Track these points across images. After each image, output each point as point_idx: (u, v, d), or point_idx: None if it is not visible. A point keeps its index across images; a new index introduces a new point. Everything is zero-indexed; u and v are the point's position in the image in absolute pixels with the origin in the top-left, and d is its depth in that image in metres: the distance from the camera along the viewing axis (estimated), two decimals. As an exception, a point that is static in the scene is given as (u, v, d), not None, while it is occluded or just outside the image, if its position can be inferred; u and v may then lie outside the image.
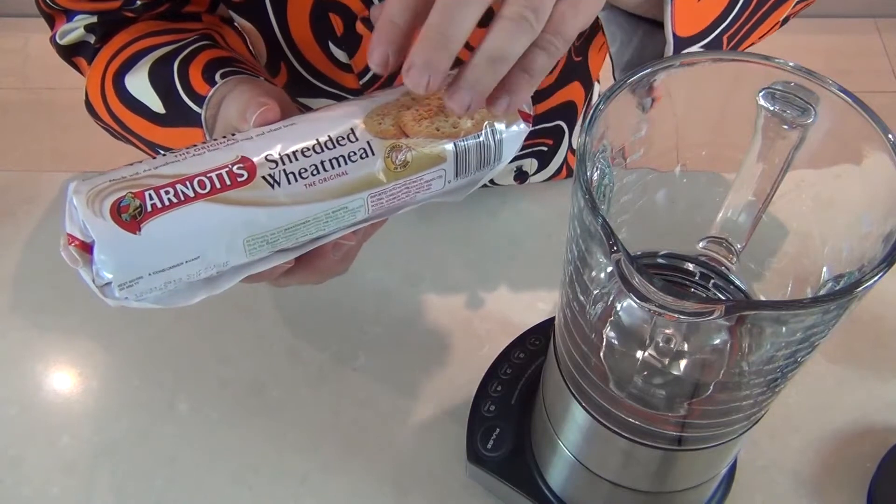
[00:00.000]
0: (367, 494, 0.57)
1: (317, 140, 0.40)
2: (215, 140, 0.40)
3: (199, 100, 0.54)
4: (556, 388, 0.45)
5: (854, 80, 1.88)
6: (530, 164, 0.76)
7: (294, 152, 0.40)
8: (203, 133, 0.54)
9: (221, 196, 0.38)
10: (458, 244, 0.69)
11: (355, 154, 0.40)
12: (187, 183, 0.38)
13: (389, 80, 0.65)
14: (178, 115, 0.55)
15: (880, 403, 0.60)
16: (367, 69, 0.63)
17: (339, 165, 0.40)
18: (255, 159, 0.39)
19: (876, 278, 0.30)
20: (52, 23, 0.63)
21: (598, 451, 0.46)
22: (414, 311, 0.66)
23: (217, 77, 0.54)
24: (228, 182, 0.38)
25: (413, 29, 0.39)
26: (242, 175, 0.38)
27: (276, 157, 0.39)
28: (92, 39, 0.62)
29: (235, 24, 0.66)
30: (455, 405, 0.60)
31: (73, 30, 0.62)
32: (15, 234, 0.72)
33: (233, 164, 0.39)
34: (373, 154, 0.41)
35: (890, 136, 0.33)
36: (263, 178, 0.39)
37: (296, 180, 0.39)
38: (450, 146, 0.42)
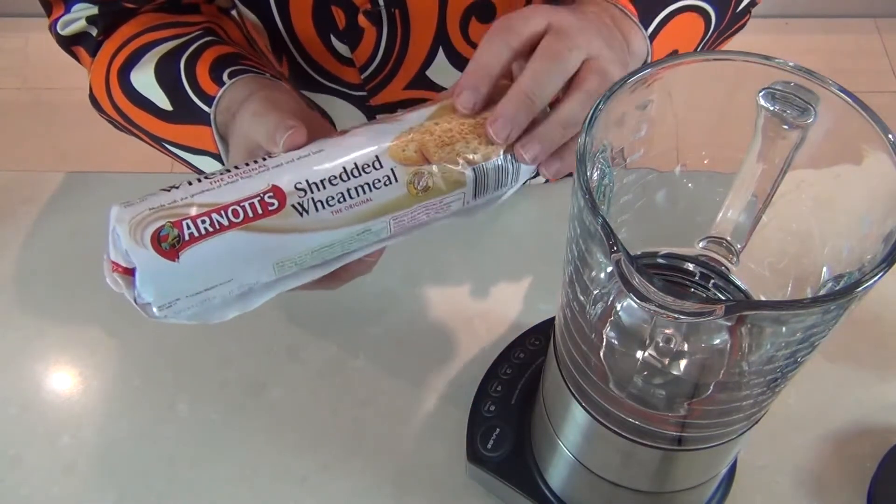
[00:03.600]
0: (367, 494, 0.57)
1: (343, 168, 0.42)
2: (247, 166, 0.43)
3: (207, 99, 0.54)
4: (556, 388, 0.45)
5: (854, 80, 1.88)
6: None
7: (322, 181, 0.42)
8: (211, 132, 0.54)
9: (254, 224, 0.41)
10: (458, 244, 0.69)
11: (380, 181, 0.43)
12: (222, 212, 0.40)
13: (391, 75, 0.65)
14: (186, 112, 0.56)
15: (880, 403, 0.60)
16: (368, 63, 0.63)
17: (365, 193, 0.43)
18: (285, 189, 0.41)
19: (876, 278, 0.30)
20: (49, 10, 0.63)
21: (598, 452, 0.46)
22: (414, 311, 0.66)
23: (225, 77, 0.55)
24: (260, 211, 0.41)
25: (500, 77, 0.45)
26: (273, 204, 0.41)
27: (305, 185, 0.42)
28: (94, 32, 0.62)
29: (233, 13, 0.67)
30: (455, 406, 0.60)
31: (75, 21, 0.62)
32: (15, 234, 0.72)
33: (264, 194, 0.41)
34: (396, 181, 0.43)
35: (890, 136, 0.33)
36: (293, 206, 0.41)
37: (323, 208, 0.42)
38: (469, 172, 0.45)
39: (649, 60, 0.52)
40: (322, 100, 0.70)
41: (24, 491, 0.58)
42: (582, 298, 0.38)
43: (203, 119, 0.55)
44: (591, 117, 0.34)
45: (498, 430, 0.54)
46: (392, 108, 0.68)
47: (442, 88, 0.66)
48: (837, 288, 0.33)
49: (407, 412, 0.60)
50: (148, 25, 0.61)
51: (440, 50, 0.62)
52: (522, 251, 0.69)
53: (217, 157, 0.57)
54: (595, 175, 0.35)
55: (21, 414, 0.62)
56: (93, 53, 0.63)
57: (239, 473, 0.58)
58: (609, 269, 0.34)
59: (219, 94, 0.53)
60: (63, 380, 0.64)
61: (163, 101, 0.57)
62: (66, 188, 0.75)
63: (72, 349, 0.65)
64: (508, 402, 0.56)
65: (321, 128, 0.48)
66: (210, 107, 0.54)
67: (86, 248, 0.70)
